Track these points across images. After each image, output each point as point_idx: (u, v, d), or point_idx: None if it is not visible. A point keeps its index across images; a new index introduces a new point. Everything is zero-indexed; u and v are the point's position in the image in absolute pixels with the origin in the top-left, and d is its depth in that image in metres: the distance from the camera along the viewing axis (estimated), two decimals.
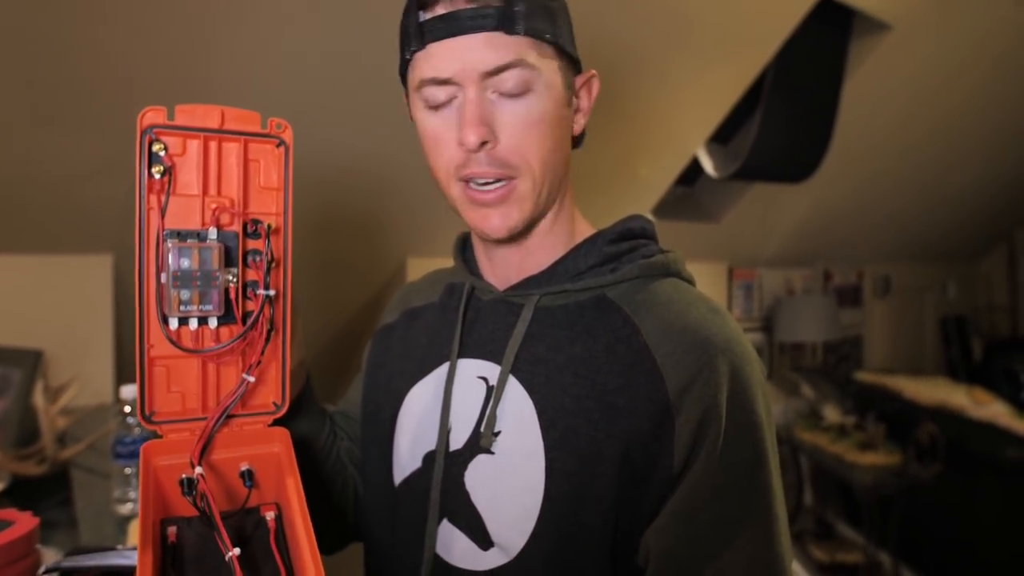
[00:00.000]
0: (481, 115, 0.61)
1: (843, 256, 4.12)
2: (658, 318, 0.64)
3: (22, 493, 1.17)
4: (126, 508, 1.10)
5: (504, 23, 0.60)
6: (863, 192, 3.48)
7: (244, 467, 0.60)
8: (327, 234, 1.85)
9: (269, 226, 0.61)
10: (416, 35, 0.63)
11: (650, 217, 2.66)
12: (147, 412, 0.59)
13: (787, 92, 2.52)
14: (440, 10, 0.61)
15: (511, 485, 0.64)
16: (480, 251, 0.75)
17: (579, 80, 0.69)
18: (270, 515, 0.59)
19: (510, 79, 0.61)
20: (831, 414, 3.22)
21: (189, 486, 0.56)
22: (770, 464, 0.63)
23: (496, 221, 0.66)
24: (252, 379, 0.61)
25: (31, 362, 1.45)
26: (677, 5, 1.88)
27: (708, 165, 2.72)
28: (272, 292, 0.61)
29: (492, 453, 0.66)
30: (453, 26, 0.60)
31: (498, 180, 0.64)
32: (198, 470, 0.56)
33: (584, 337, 0.66)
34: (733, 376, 0.61)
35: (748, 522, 0.61)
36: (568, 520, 0.62)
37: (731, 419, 0.61)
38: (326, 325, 2.14)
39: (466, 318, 0.74)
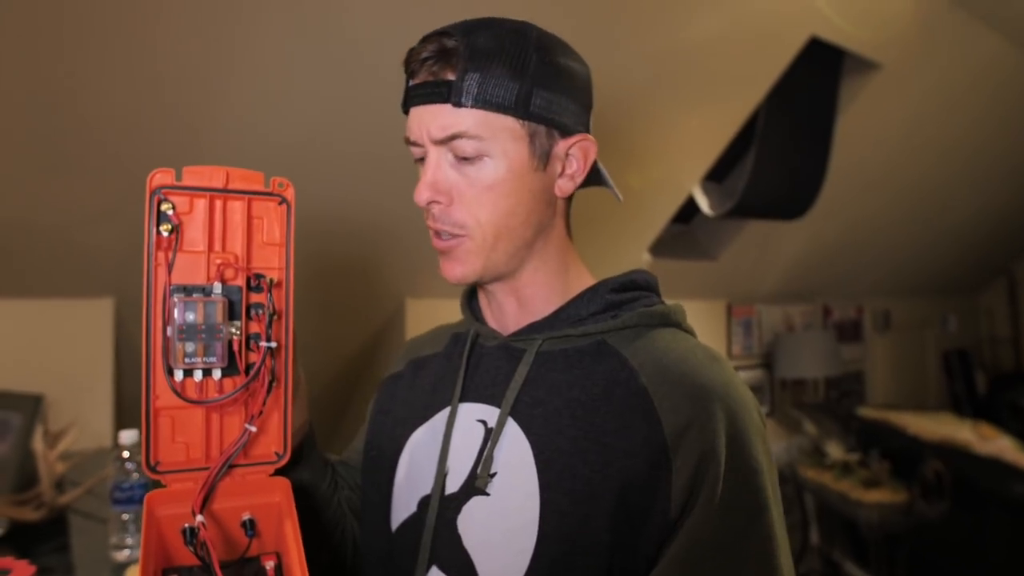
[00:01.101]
0: (433, 178, 0.67)
1: (842, 291, 4.13)
2: (656, 363, 0.66)
3: (19, 539, 1.17)
4: (123, 554, 1.10)
5: (452, 96, 0.64)
6: (859, 227, 3.51)
7: (246, 516, 0.61)
8: (326, 277, 1.87)
9: (271, 280, 0.63)
10: (404, 101, 0.70)
11: (642, 261, 2.69)
12: (152, 462, 0.60)
13: (780, 130, 2.56)
14: (414, 80, 0.68)
15: (505, 526, 0.65)
16: (483, 299, 0.78)
17: (563, 144, 0.69)
18: (270, 564, 0.60)
19: (461, 146, 0.65)
20: (834, 451, 3.20)
21: (191, 535, 0.57)
22: (771, 512, 0.63)
23: (449, 268, 0.70)
24: (254, 429, 0.62)
25: (31, 406, 1.45)
26: (670, 47, 1.93)
27: (704, 203, 2.75)
28: (273, 344, 0.62)
29: (487, 494, 0.66)
30: (418, 95, 0.67)
31: (448, 235, 0.69)
32: (199, 519, 0.57)
33: (583, 381, 0.67)
34: (731, 422, 0.62)
35: (753, 566, 0.61)
36: (562, 563, 0.62)
37: (730, 466, 0.61)
38: (325, 366, 2.14)
39: (469, 363, 0.76)
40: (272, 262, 0.65)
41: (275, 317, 0.63)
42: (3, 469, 1.38)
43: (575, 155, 0.71)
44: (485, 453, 0.68)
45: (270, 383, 0.63)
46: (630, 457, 0.61)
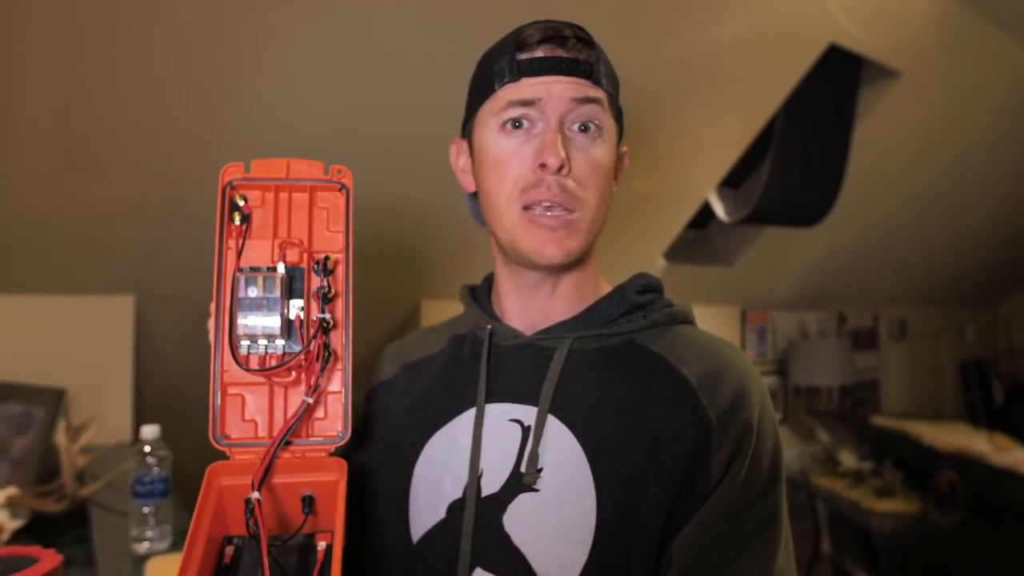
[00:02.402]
0: (561, 144, 0.68)
1: (858, 299, 4.10)
2: (691, 355, 0.70)
3: (41, 530, 1.19)
4: (143, 547, 1.12)
5: (593, 75, 0.69)
6: (876, 235, 3.49)
7: (305, 493, 0.63)
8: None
9: (327, 258, 0.67)
10: (511, 70, 0.70)
11: (657, 267, 2.69)
12: (218, 434, 0.63)
13: (797, 137, 2.56)
14: (540, 53, 0.70)
15: (560, 519, 0.65)
16: (509, 293, 0.77)
17: (621, 150, 0.77)
18: (322, 544, 0.61)
19: (588, 114, 0.69)
20: (847, 459, 3.18)
21: (250, 508, 0.58)
22: (783, 485, 0.69)
23: (554, 248, 0.69)
24: (311, 400, 0.64)
25: (54, 401, 1.48)
26: (688, 53, 1.93)
27: (720, 209, 2.74)
28: (327, 315, 0.65)
29: (536, 490, 0.67)
30: (550, 66, 0.69)
31: (560, 209, 0.69)
32: (255, 495, 0.59)
33: (620, 377, 0.70)
34: (761, 402, 0.68)
35: (763, 536, 0.66)
36: (620, 549, 0.64)
37: (759, 441, 0.66)
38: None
39: (489, 364, 0.75)
40: (333, 246, 0.68)
41: (333, 295, 0.66)
42: (26, 461, 1.41)
43: (621, 163, 0.77)
44: (528, 449, 0.68)
45: (326, 357, 0.65)
46: (680, 441, 0.65)
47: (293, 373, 0.65)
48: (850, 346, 3.56)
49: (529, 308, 0.76)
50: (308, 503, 0.62)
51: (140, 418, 1.72)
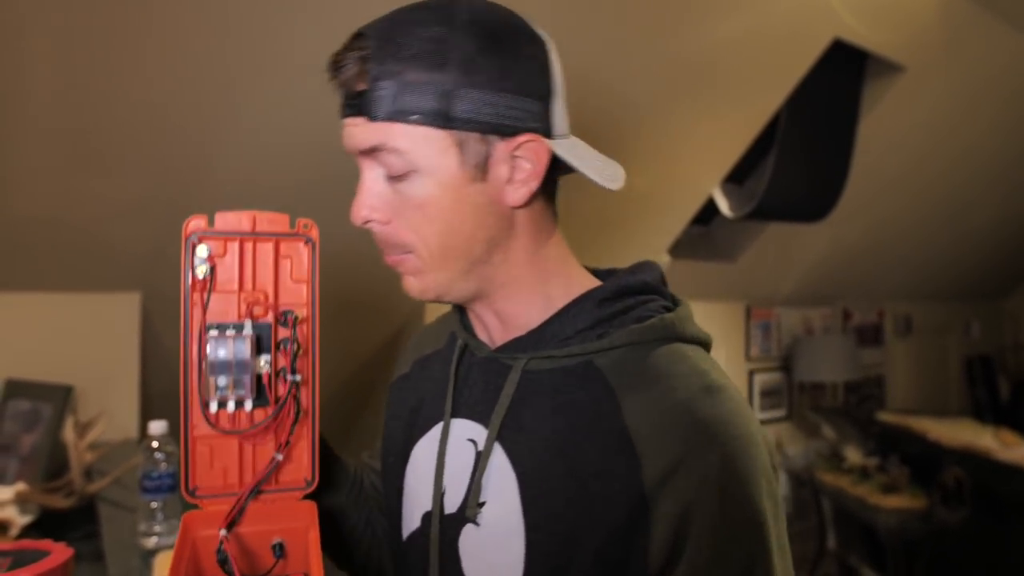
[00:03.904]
0: (367, 195, 0.62)
1: (862, 295, 4.10)
2: (643, 396, 0.59)
3: (50, 525, 1.20)
4: (151, 542, 1.12)
5: (365, 109, 0.58)
6: (881, 230, 3.48)
7: (276, 540, 0.65)
8: (344, 276, 1.89)
9: (296, 317, 0.67)
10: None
11: (661, 263, 2.68)
12: (190, 487, 0.65)
13: (801, 133, 2.56)
14: (338, 88, 0.62)
15: (493, 560, 0.63)
16: (469, 311, 0.72)
17: (504, 148, 0.60)
18: None
19: (385, 161, 0.60)
20: (853, 455, 3.18)
21: (224, 557, 0.61)
22: (773, 565, 0.56)
23: (406, 284, 0.66)
24: (280, 457, 0.66)
25: (61, 397, 1.49)
26: (691, 49, 1.93)
27: (723, 205, 2.74)
28: (299, 377, 0.66)
29: (477, 524, 0.64)
30: (342, 107, 0.62)
31: (393, 253, 0.64)
32: (223, 532, 0.62)
33: (568, 409, 0.61)
34: (726, 467, 0.55)
35: None
36: None
37: (725, 516, 0.54)
38: (340, 366, 2.16)
39: (459, 375, 0.73)
40: (299, 298, 0.68)
41: (300, 352, 0.67)
42: (35, 457, 1.42)
43: (525, 157, 0.61)
44: (473, 482, 0.65)
45: (297, 414, 0.66)
46: (609, 504, 0.56)
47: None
48: (855, 342, 3.56)
49: (481, 326, 0.71)
50: (279, 549, 0.65)
51: (147, 414, 1.73)
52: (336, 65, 0.60)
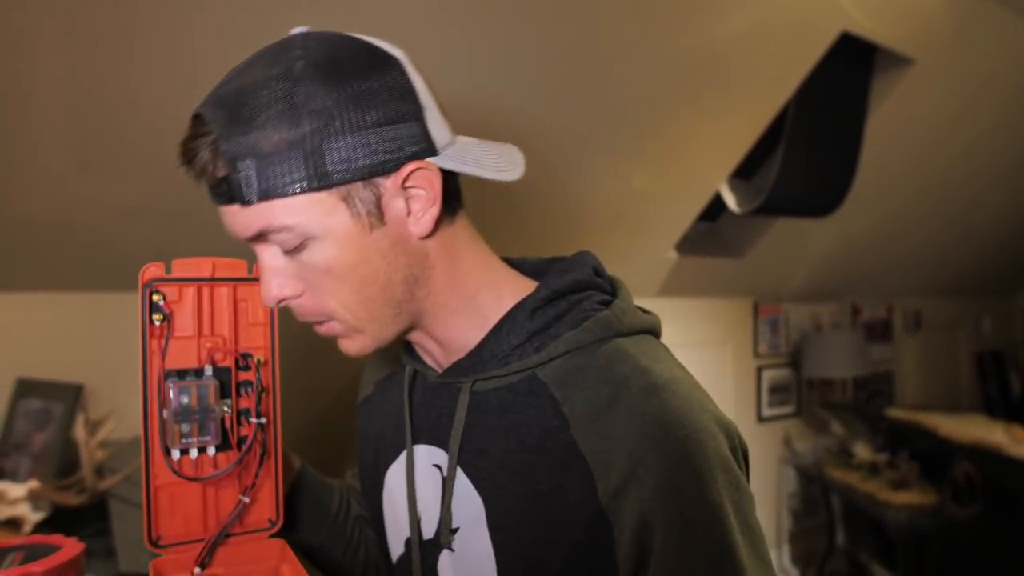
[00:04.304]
0: (271, 276, 0.59)
1: (871, 290, 4.08)
2: (587, 407, 0.57)
3: (62, 522, 1.21)
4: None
5: (235, 195, 0.55)
6: (890, 225, 3.46)
7: None
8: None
9: (259, 360, 0.68)
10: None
11: (668, 259, 2.68)
12: (153, 537, 0.65)
13: (809, 127, 2.54)
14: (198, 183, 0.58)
15: None
16: (409, 338, 0.69)
17: (393, 184, 0.57)
18: None
19: (277, 240, 0.56)
20: (862, 452, 3.16)
21: None
22: (739, 558, 0.54)
23: (344, 348, 0.64)
24: (247, 500, 0.67)
25: (72, 396, 1.50)
26: (697, 43, 1.92)
27: (731, 201, 2.73)
28: (263, 420, 0.67)
29: (452, 551, 0.65)
30: (213, 197, 0.58)
31: (319, 323, 0.62)
32: (197, 571, 0.62)
33: (518, 429, 0.60)
34: (680, 468, 0.53)
35: None
36: None
37: (681, 520, 0.53)
38: (320, 393, 2.15)
39: (413, 401, 0.72)
40: (258, 341, 0.69)
41: (264, 393, 0.67)
42: (46, 455, 1.43)
43: (417, 186, 0.58)
44: (443, 509, 0.64)
45: (261, 456, 0.67)
46: (569, 524, 0.56)
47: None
48: (864, 338, 3.54)
49: (426, 352, 0.70)
50: None
51: None
52: (187, 156, 0.57)
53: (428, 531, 0.68)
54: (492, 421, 0.62)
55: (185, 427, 0.63)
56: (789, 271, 3.45)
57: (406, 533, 0.71)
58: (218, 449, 0.66)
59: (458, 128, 0.66)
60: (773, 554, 3.52)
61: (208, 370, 0.66)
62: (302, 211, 0.54)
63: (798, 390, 3.66)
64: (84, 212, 1.51)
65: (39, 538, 0.65)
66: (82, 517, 1.24)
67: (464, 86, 1.59)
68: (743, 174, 2.80)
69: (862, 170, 2.74)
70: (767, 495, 3.49)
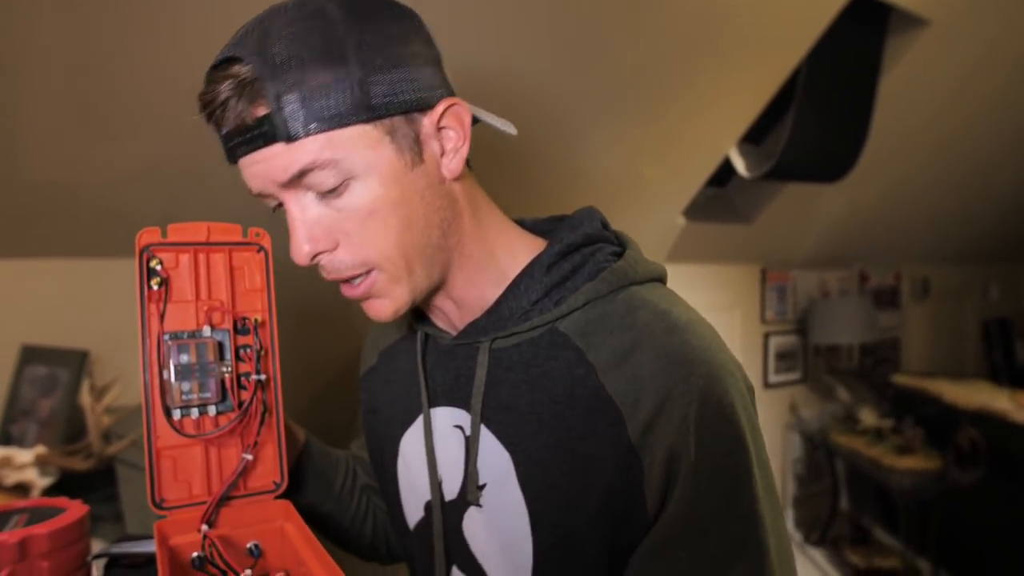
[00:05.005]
0: (305, 227, 0.57)
1: (880, 257, 4.05)
2: (611, 352, 0.59)
3: (70, 487, 1.22)
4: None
5: (278, 133, 0.53)
6: (899, 191, 3.42)
7: (250, 544, 0.65)
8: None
9: (256, 319, 0.68)
10: (226, 152, 0.58)
11: (676, 225, 2.65)
12: (157, 499, 0.65)
13: (821, 91, 2.49)
14: (223, 129, 0.56)
15: (502, 539, 0.64)
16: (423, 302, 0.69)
17: (429, 121, 0.58)
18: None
19: (316, 181, 0.55)
20: (867, 417, 3.17)
21: (200, 563, 0.60)
22: (756, 491, 0.57)
23: (376, 310, 0.62)
24: (250, 457, 0.67)
25: (78, 362, 1.50)
26: (706, 6, 1.87)
27: (740, 166, 2.70)
28: (263, 376, 0.67)
29: (480, 507, 0.65)
30: (238, 145, 0.56)
31: (352, 280, 0.60)
32: (204, 527, 0.61)
33: (542, 380, 0.61)
34: (701, 402, 0.56)
35: (736, 556, 0.56)
36: (562, 567, 0.61)
37: (704, 448, 0.55)
38: (321, 368, 2.15)
39: (427, 364, 0.71)
40: (256, 306, 0.69)
41: (263, 353, 0.68)
42: (53, 422, 1.44)
43: (449, 126, 0.59)
44: (469, 467, 0.65)
45: (263, 414, 0.67)
46: (601, 463, 0.57)
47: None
48: (871, 305, 3.52)
49: (442, 318, 0.70)
50: (255, 550, 0.65)
51: None
52: (214, 102, 0.54)
53: (450, 492, 0.68)
54: (515, 377, 0.63)
55: (186, 385, 0.64)
56: (798, 238, 3.42)
57: (426, 497, 0.71)
58: (219, 411, 0.66)
59: (464, 89, 0.65)
60: None
61: (206, 331, 0.66)
62: (348, 145, 0.54)
63: (804, 357, 3.65)
64: (88, 176, 1.49)
65: (43, 500, 0.65)
66: (90, 482, 1.24)
67: (470, 47, 1.56)
68: (753, 139, 2.76)
69: (873, 135, 2.70)
70: (772, 460, 3.48)
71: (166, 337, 0.64)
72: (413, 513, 0.75)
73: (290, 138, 0.53)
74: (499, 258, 0.65)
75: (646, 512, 0.57)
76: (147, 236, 0.66)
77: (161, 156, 1.50)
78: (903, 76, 2.66)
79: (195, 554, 0.61)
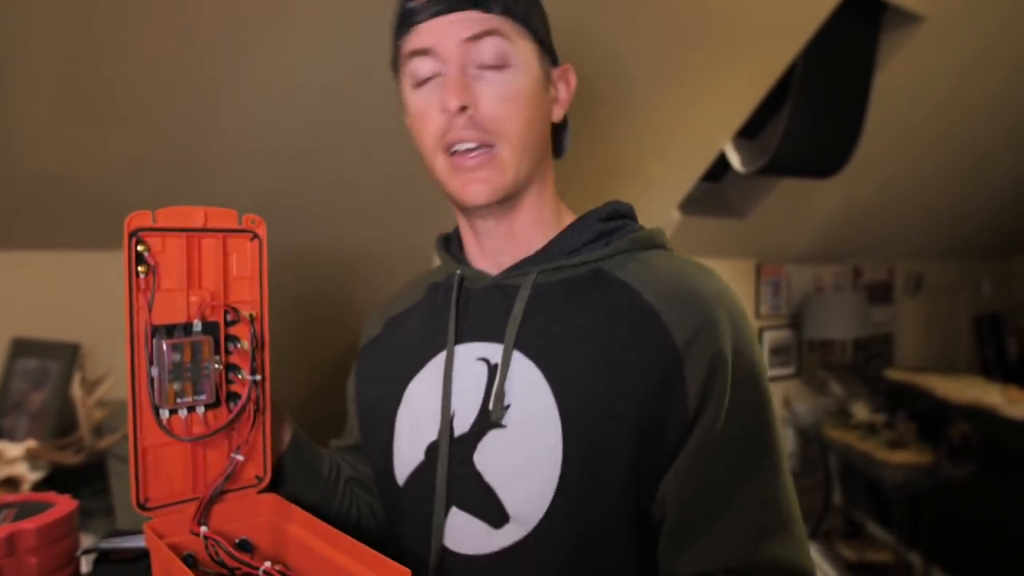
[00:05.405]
0: (462, 83, 0.66)
1: (874, 252, 4.06)
2: (657, 281, 0.69)
3: (61, 481, 1.21)
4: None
5: (480, 3, 0.66)
6: (894, 187, 3.43)
7: (239, 539, 0.64)
8: (330, 264, 1.89)
9: (252, 315, 0.66)
10: (404, 20, 0.69)
11: (671, 219, 2.65)
12: (141, 499, 0.63)
13: (816, 86, 2.49)
14: None
15: (527, 455, 0.66)
16: (470, 239, 0.78)
17: (556, 72, 0.74)
18: (274, 565, 0.62)
19: (488, 49, 0.67)
20: (860, 412, 3.18)
21: (193, 562, 0.59)
22: (772, 406, 0.68)
23: (478, 186, 0.69)
24: (241, 458, 0.66)
25: (69, 355, 1.49)
26: (701, 1, 1.87)
27: (735, 160, 2.70)
28: (259, 377, 0.66)
29: (504, 427, 0.67)
30: (435, 8, 0.66)
31: (479, 147, 0.68)
32: (204, 528, 0.60)
33: (584, 307, 0.69)
34: (734, 326, 0.66)
35: (758, 460, 0.66)
36: (588, 482, 0.64)
37: (736, 366, 0.65)
38: (319, 362, 2.14)
39: (459, 306, 0.75)
40: (247, 295, 0.67)
41: (257, 350, 0.66)
42: (44, 415, 1.43)
43: (563, 82, 0.75)
44: (496, 386, 0.68)
45: (255, 413, 0.66)
46: (645, 368, 0.64)
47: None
48: (865, 300, 3.53)
49: (489, 251, 0.76)
50: (243, 547, 0.64)
51: None
52: None
53: (462, 426, 0.70)
54: (555, 306, 0.70)
55: (177, 386, 0.61)
56: (792, 233, 3.43)
57: (428, 439, 0.72)
58: (207, 408, 0.64)
59: None
60: None
61: (197, 325, 0.64)
62: (519, 37, 0.69)
63: (798, 351, 3.66)
64: (80, 166, 1.48)
65: (31, 495, 0.65)
66: (81, 476, 1.24)
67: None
68: (748, 134, 2.76)
69: (868, 130, 2.70)
70: None
71: (158, 334, 0.62)
72: (408, 463, 0.75)
73: (487, 8, 0.67)
74: (561, 208, 0.78)
75: (687, 411, 0.63)
76: (137, 219, 0.63)
77: (154, 146, 1.49)
78: (898, 72, 2.66)
79: (186, 552, 0.60)
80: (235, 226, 0.67)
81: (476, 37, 0.66)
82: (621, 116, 2.08)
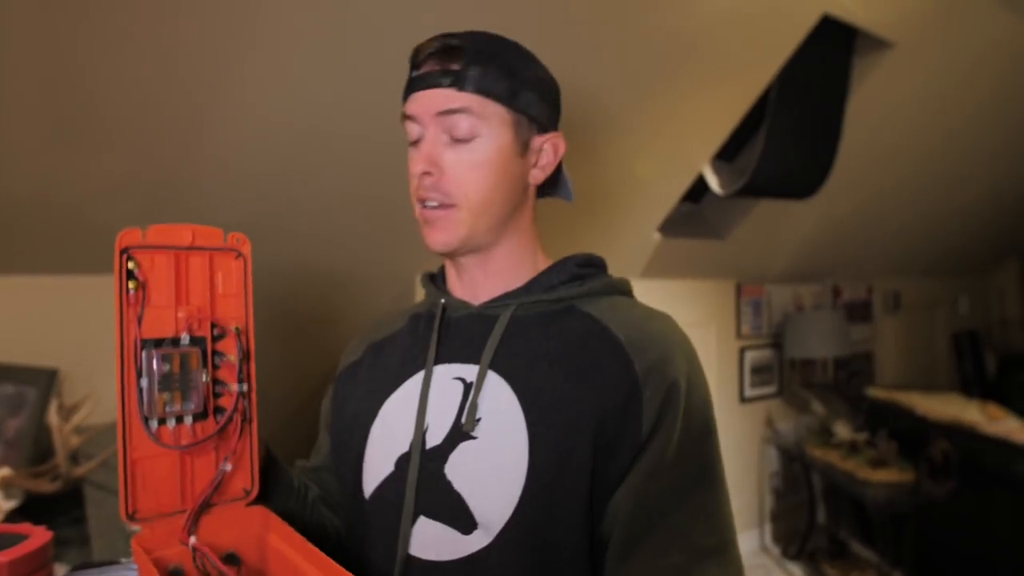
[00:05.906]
0: (429, 153, 0.75)
1: (852, 272, 4.11)
2: (624, 319, 0.77)
3: (36, 510, 1.19)
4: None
5: (456, 82, 0.74)
6: (870, 207, 3.48)
7: (227, 552, 0.65)
8: (318, 284, 1.89)
9: (238, 329, 0.68)
10: (407, 86, 0.78)
11: (651, 241, 2.68)
12: (129, 511, 0.63)
13: (791, 109, 2.54)
14: (424, 69, 0.76)
15: (495, 462, 0.71)
16: (452, 273, 0.85)
17: (540, 139, 0.80)
18: None
19: (459, 123, 0.74)
20: (842, 430, 3.20)
21: (179, 573, 0.60)
22: (716, 438, 0.76)
23: (438, 235, 0.77)
24: (229, 467, 0.67)
25: (46, 380, 1.47)
26: (679, 25, 1.91)
27: (714, 182, 2.73)
28: (245, 388, 0.67)
29: (475, 438, 0.73)
30: (423, 82, 0.75)
31: (440, 205, 0.76)
32: (192, 539, 0.61)
33: (558, 336, 0.76)
34: (688, 363, 0.75)
35: (697, 484, 0.72)
36: (550, 492, 0.69)
37: (688, 398, 0.72)
38: (305, 378, 2.14)
39: (440, 331, 0.81)
40: (232, 312, 0.69)
41: (245, 361, 0.68)
42: (19, 442, 1.41)
43: (548, 149, 0.81)
44: (469, 400, 0.74)
45: (243, 423, 0.67)
46: (608, 392, 0.71)
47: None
48: (844, 319, 3.57)
49: (468, 284, 0.83)
50: (231, 560, 0.64)
51: None
52: (427, 50, 0.76)
53: (435, 439, 0.75)
54: (531, 334, 0.77)
55: (167, 395, 0.63)
56: (771, 253, 3.47)
57: (401, 451, 0.76)
58: (195, 419, 0.65)
59: None
60: (755, 533, 3.56)
61: (185, 338, 0.65)
62: (490, 114, 0.75)
63: (780, 370, 3.69)
64: (60, 190, 1.48)
65: (5, 527, 0.64)
66: (56, 504, 1.22)
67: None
68: (726, 156, 2.80)
69: (843, 152, 2.75)
70: (749, 474, 3.52)
71: (148, 346, 0.63)
72: (377, 476, 0.78)
73: (460, 88, 0.73)
74: (536, 254, 0.85)
75: (641, 434, 0.70)
76: (128, 237, 0.64)
77: (135, 169, 1.48)
78: (870, 96, 2.72)
79: (173, 565, 0.59)
80: (221, 244, 0.69)
81: (448, 112, 0.74)
82: (602, 141, 2.10)
